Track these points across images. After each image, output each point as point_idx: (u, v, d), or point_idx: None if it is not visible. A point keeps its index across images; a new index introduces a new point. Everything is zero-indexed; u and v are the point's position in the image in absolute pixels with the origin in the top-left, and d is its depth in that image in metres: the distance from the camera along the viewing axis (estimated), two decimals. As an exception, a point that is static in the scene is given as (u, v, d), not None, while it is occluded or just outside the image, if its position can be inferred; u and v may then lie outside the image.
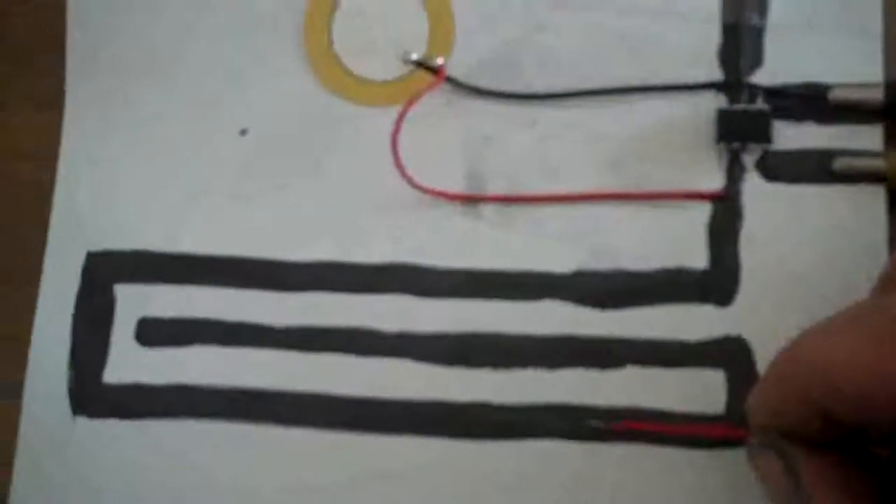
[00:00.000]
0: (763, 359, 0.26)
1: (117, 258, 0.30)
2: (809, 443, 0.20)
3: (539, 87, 0.29)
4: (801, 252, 0.27)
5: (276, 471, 0.28)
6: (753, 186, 0.28)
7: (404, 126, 0.29)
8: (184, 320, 0.30)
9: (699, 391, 0.27)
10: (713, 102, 0.28)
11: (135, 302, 0.30)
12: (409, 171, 0.29)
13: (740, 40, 0.28)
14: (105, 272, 0.30)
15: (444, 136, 0.30)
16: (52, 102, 0.32)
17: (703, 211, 0.28)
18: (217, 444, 0.29)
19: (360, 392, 0.28)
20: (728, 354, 0.27)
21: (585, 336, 0.28)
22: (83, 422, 0.29)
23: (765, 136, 0.27)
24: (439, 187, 0.29)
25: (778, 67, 0.28)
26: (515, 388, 0.28)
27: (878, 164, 0.27)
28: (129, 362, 0.29)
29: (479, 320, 0.28)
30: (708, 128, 0.28)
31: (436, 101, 0.30)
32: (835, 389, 0.18)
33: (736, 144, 0.28)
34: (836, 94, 0.27)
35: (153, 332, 0.30)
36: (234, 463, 0.28)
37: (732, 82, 0.28)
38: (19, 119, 0.32)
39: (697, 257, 0.28)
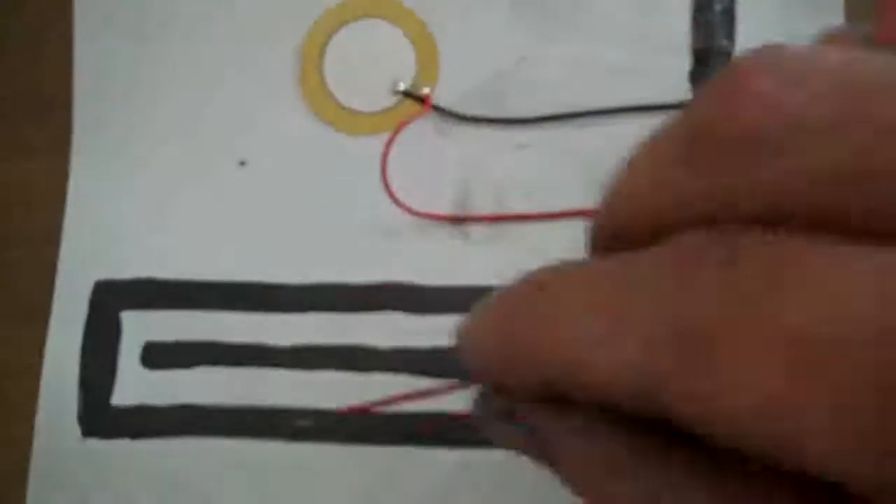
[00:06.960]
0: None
1: (123, 287, 0.32)
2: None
3: (523, 113, 0.31)
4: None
5: (280, 485, 0.29)
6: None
7: (394, 153, 0.30)
8: (186, 343, 0.31)
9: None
10: (686, 121, 0.30)
11: (140, 327, 0.31)
12: (399, 195, 0.30)
13: (710, 62, 0.30)
14: (111, 300, 0.32)
15: (432, 162, 0.31)
16: (58, 149, 0.33)
17: (680, 223, 0.29)
18: (222, 460, 0.30)
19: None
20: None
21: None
22: (93, 443, 0.30)
23: (735, 150, 0.29)
24: (428, 209, 0.30)
25: (746, 85, 0.30)
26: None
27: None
28: (135, 385, 0.31)
29: (469, 334, 0.29)
30: (682, 145, 0.29)
31: (424, 129, 0.31)
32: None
33: (708, 159, 0.29)
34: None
35: (158, 356, 0.31)
36: (238, 478, 0.30)
37: (703, 101, 0.30)
38: (31, 164, 0.33)
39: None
